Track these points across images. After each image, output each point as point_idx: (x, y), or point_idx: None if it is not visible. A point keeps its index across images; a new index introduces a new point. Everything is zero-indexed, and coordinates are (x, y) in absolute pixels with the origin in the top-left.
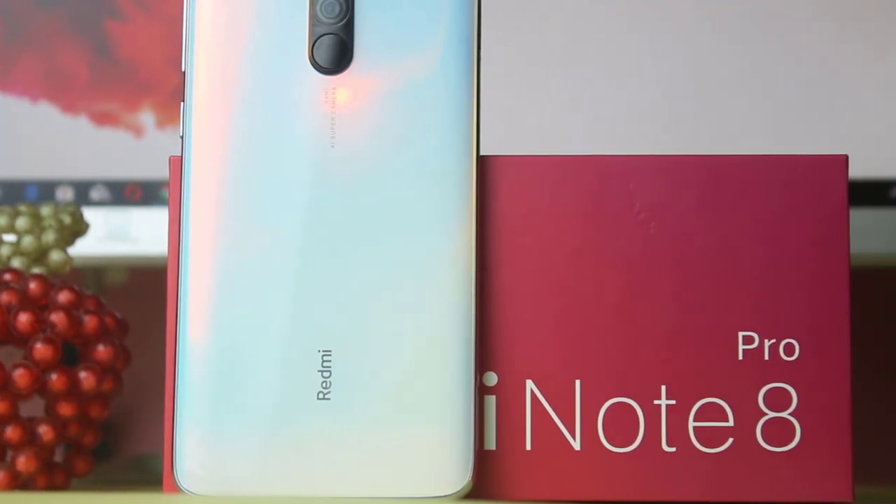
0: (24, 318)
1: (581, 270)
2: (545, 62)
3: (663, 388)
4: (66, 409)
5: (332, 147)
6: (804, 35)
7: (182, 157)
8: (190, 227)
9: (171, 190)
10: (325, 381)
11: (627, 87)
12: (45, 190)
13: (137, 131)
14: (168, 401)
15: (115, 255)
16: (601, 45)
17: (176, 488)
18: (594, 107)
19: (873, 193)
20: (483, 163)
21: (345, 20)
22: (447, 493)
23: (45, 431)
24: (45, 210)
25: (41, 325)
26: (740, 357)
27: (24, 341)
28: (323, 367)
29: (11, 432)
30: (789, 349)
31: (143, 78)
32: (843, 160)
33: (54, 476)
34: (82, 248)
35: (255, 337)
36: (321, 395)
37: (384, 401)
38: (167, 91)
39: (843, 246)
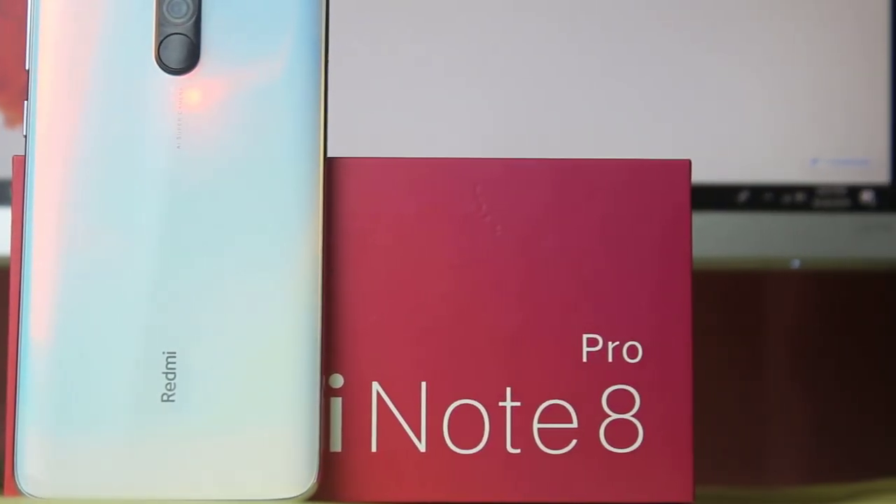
0: None
1: (428, 272)
2: (394, 65)
3: (508, 389)
4: None
5: (179, 148)
6: (651, 41)
7: (25, 156)
8: (33, 228)
9: (13, 190)
10: (170, 383)
11: (475, 90)
12: None
13: None
14: (10, 403)
15: None
16: (450, 47)
17: (17, 492)
18: (443, 110)
19: (722, 197)
20: (330, 165)
21: (192, 20)
22: (292, 495)
23: None
24: None
25: None
26: (584, 359)
27: None
28: (167, 368)
29: None
30: (632, 351)
31: None
32: (686, 165)
33: None
34: None
35: (99, 338)
36: (165, 397)
37: (228, 402)
38: (17, 89)
39: (685, 249)
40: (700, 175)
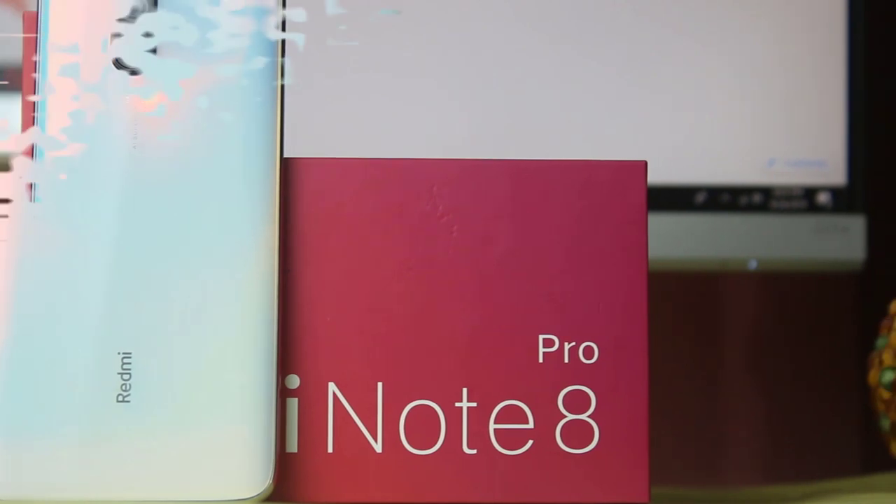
0: None
1: (384, 273)
2: (351, 66)
3: (464, 390)
4: None
5: (135, 147)
6: (608, 43)
7: None
8: None
9: None
10: (125, 384)
11: (432, 91)
12: None
13: None
14: None
15: None
16: (408, 49)
17: None
18: (400, 110)
19: (679, 198)
20: (287, 165)
21: None
22: (248, 496)
23: None
24: None
25: None
26: (541, 360)
27: None
28: (123, 369)
29: None
30: (588, 352)
31: None
32: (643, 166)
33: None
34: None
35: (53, 339)
36: (121, 398)
37: (184, 403)
38: None
39: (641, 251)
40: (657, 176)
